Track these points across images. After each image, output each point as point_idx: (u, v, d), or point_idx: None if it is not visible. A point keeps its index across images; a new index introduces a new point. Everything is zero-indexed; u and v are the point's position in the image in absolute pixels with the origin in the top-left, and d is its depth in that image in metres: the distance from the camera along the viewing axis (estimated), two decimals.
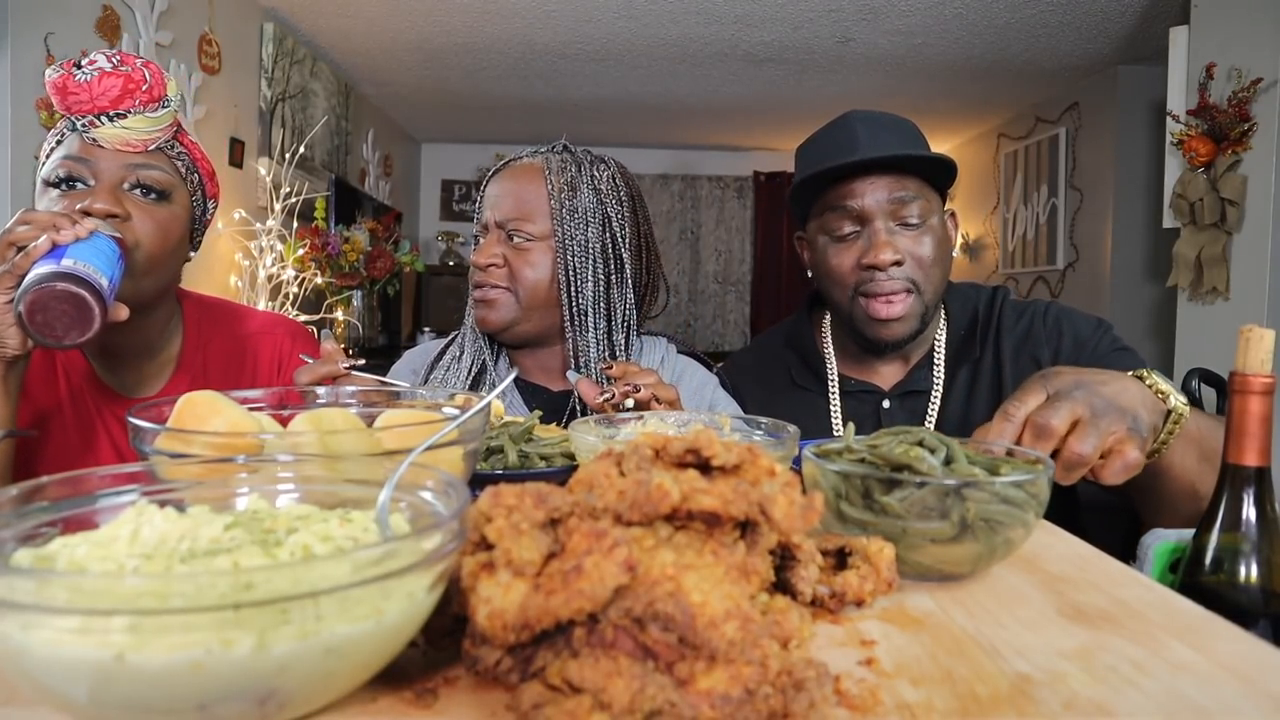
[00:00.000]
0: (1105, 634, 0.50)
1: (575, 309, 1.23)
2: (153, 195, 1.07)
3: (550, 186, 1.22)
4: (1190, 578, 0.67)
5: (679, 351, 1.33)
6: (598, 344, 1.23)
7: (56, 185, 1.04)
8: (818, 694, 0.38)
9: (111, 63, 1.02)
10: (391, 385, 0.98)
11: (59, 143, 1.07)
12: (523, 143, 1.39)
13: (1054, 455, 0.76)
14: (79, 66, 1.02)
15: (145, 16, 2.90)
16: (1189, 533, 0.70)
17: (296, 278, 3.57)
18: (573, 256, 1.21)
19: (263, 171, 3.72)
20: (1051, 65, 4.48)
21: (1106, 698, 0.42)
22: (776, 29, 4.01)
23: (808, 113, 5.45)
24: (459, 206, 7.01)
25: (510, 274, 1.22)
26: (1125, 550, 0.89)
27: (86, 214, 0.98)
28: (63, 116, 1.05)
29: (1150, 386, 0.85)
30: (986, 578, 0.61)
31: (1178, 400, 0.85)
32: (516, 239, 1.22)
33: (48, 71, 1.02)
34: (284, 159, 3.77)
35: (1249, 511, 0.65)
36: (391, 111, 5.83)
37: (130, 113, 1.02)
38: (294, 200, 3.68)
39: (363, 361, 0.99)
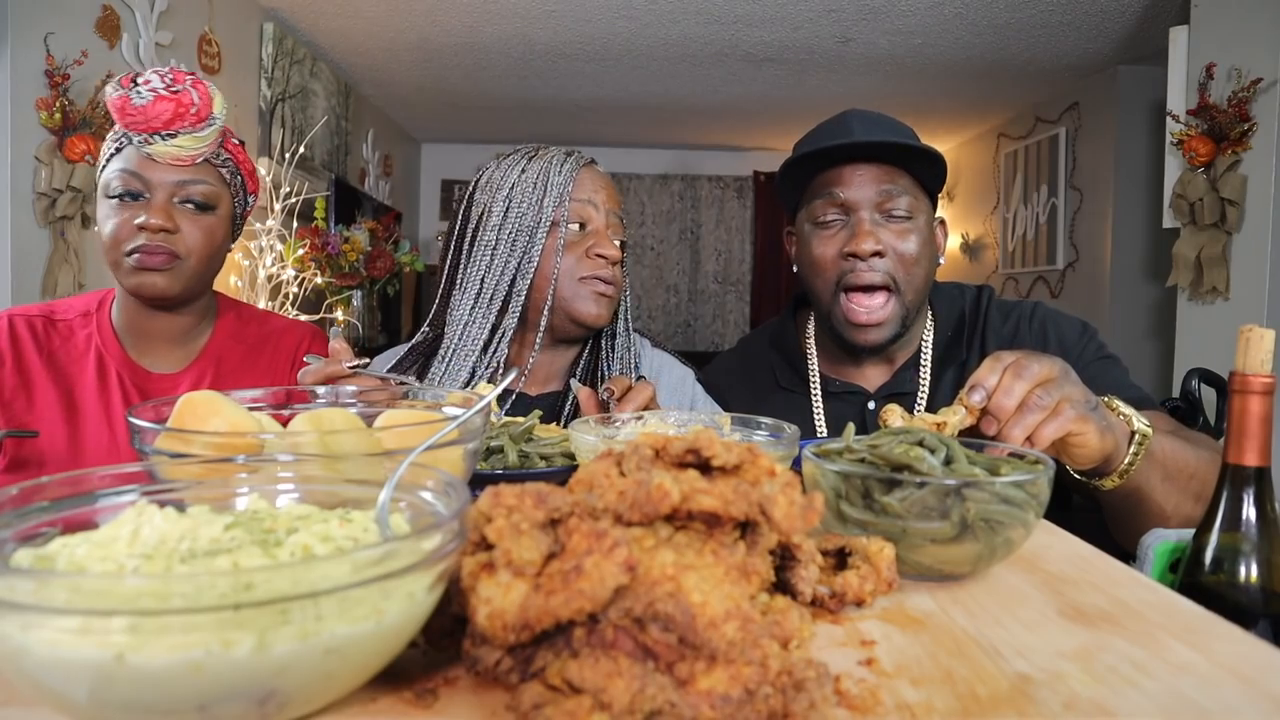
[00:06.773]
0: (1105, 634, 0.50)
1: (620, 317, 1.28)
2: (200, 208, 1.20)
3: (622, 201, 1.27)
4: (1190, 578, 0.67)
5: (653, 346, 1.34)
6: (615, 348, 1.24)
7: (116, 197, 1.17)
8: (818, 694, 0.38)
9: (164, 82, 1.14)
10: (400, 380, 0.97)
11: (117, 151, 1.19)
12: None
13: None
14: (135, 83, 1.14)
15: (145, 16, 2.90)
16: (1189, 533, 0.70)
17: (296, 278, 3.57)
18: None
19: (262, 171, 3.71)
20: (1051, 65, 4.48)
21: (1106, 698, 0.42)
22: (776, 29, 4.01)
23: (808, 113, 5.44)
24: (459, 206, 6.98)
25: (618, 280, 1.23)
26: (1125, 550, 0.89)
27: (144, 229, 1.15)
28: (118, 127, 1.17)
29: (1114, 410, 0.88)
30: (986, 578, 0.61)
31: (1140, 423, 0.87)
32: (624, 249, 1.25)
33: (108, 89, 1.15)
34: (284, 159, 3.77)
35: (1249, 511, 0.65)
36: (391, 111, 5.83)
37: (180, 133, 1.15)
38: (294, 200, 3.67)
39: (368, 361, 0.98)
